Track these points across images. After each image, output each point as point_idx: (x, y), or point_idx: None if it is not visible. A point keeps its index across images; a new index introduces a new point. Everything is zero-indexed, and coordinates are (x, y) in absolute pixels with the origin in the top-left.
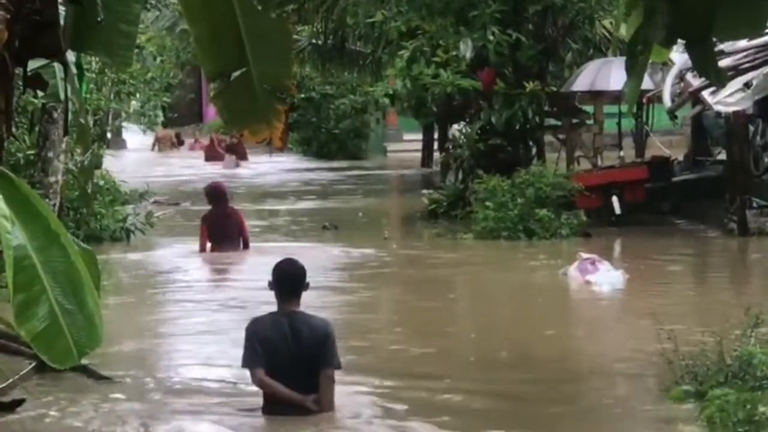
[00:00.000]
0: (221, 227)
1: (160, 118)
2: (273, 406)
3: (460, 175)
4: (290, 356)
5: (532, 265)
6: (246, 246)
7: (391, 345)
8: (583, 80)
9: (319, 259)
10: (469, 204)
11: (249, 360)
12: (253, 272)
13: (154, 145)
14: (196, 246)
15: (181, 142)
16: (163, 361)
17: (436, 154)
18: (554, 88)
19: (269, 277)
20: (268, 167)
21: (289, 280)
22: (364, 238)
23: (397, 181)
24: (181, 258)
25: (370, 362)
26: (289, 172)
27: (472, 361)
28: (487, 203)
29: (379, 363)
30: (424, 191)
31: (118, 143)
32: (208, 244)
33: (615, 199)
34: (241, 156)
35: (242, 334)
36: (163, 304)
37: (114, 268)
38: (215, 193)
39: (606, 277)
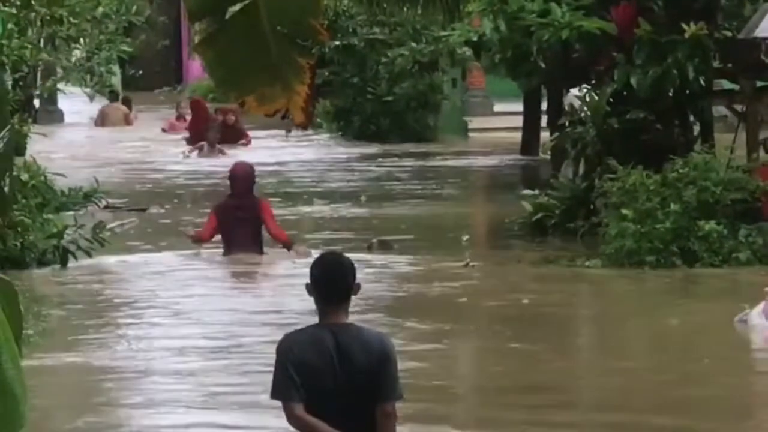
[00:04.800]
0: (231, 221)
1: (117, 77)
2: None
3: (582, 168)
4: (336, 384)
5: (693, 307)
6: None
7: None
8: None
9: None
10: (595, 212)
11: (281, 390)
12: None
13: (98, 120)
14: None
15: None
16: None
17: (545, 135)
18: (729, 33)
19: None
20: (284, 155)
21: (334, 280)
22: (433, 263)
23: (484, 175)
24: (154, 287)
25: None
26: (318, 162)
27: None
28: (625, 211)
29: None
30: (526, 191)
31: (52, 115)
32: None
33: None
34: (238, 137)
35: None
36: (115, 362)
37: (46, 306)
38: (232, 176)
39: None
